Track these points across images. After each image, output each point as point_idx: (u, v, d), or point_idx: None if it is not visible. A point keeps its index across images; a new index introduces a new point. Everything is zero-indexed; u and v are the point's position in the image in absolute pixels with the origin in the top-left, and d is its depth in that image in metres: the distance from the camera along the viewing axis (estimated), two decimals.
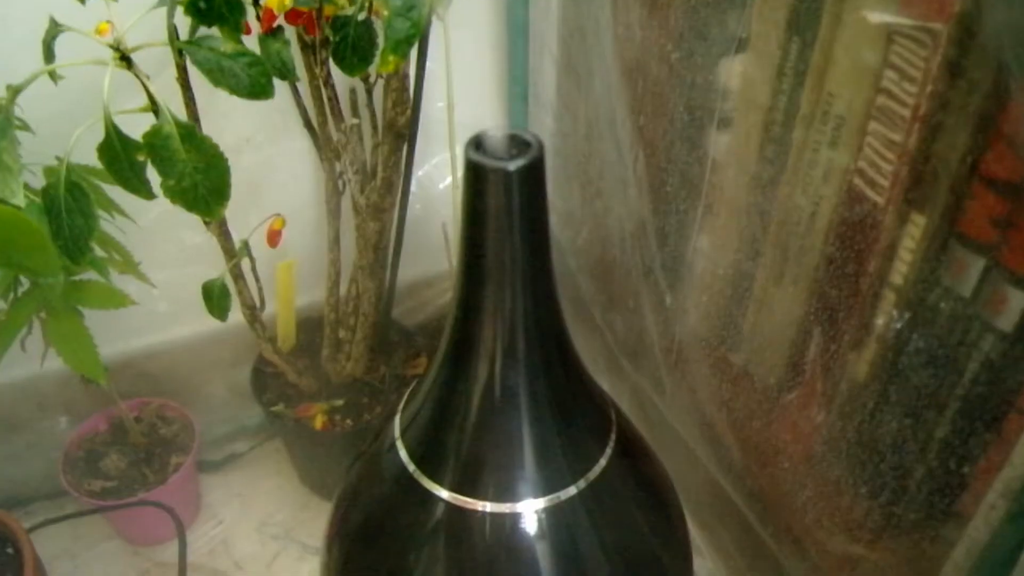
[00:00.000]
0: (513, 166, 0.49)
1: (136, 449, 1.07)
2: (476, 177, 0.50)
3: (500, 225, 0.51)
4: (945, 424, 0.57)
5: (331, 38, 0.70)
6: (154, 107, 0.70)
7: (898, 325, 0.60)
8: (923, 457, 0.60)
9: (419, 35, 0.62)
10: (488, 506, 0.58)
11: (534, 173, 0.51)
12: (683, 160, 0.82)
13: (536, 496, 0.58)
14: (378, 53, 0.69)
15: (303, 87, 0.89)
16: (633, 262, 0.94)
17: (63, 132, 0.70)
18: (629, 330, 1.01)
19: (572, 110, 1.02)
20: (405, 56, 0.64)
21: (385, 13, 0.60)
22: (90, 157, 0.70)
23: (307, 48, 0.83)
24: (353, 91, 0.93)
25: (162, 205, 0.72)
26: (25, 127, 0.81)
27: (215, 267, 0.87)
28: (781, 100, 0.70)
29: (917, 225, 0.59)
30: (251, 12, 0.75)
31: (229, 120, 0.98)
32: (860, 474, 0.66)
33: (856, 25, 0.61)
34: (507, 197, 0.50)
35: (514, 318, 0.54)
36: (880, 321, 0.62)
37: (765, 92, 0.71)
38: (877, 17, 0.61)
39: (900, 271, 0.60)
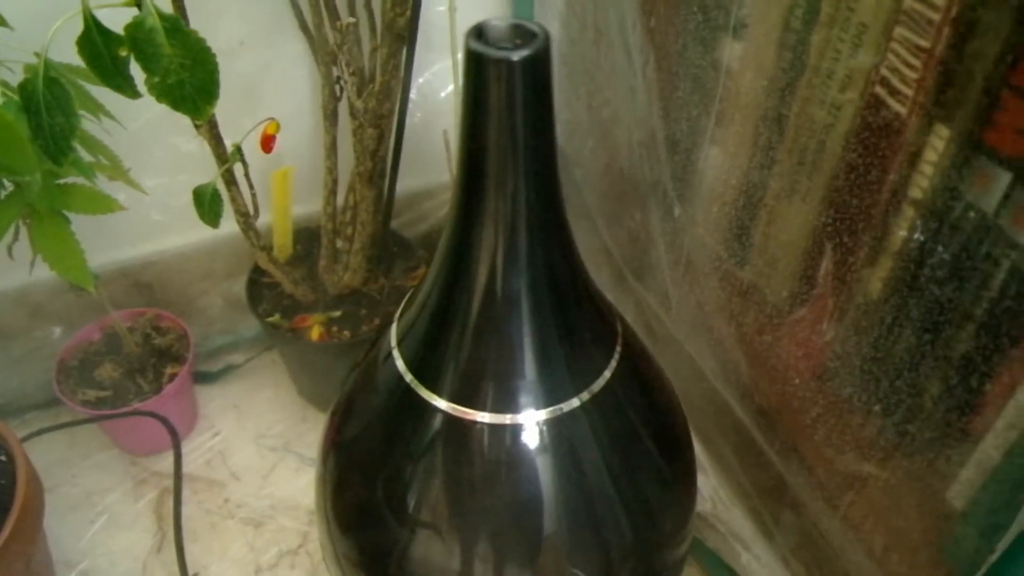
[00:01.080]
0: (517, 56, 0.46)
1: (130, 359, 1.06)
2: (477, 68, 0.47)
3: (502, 120, 0.48)
4: (966, 340, 0.55)
5: None
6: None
7: (919, 238, 0.57)
8: (941, 374, 0.58)
9: None
10: (487, 417, 0.56)
11: (539, 65, 0.48)
12: (696, 64, 0.78)
13: (537, 407, 0.56)
14: None
15: None
16: (641, 173, 0.90)
17: (44, 29, 0.67)
18: (635, 243, 0.98)
19: (579, 14, 0.97)
20: None
21: None
22: (74, 57, 0.66)
23: None
24: None
25: (152, 109, 0.68)
26: (2, 22, 0.77)
27: (209, 175, 0.84)
28: (800, 1, 0.66)
29: (941, 136, 0.56)
30: None
31: (223, 19, 0.94)
32: (874, 391, 0.64)
33: None
34: (510, 89, 0.47)
35: (516, 219, 0.51)
36: (899, 234, 0.59)
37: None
38: None
39: (921, 184, 0.57)
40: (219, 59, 0.66)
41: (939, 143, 0.56)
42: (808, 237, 0.69)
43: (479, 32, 0.47)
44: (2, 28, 0.76)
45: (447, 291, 0.56)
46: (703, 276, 0.84)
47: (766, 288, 0.76)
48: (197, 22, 0.74)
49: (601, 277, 1.08)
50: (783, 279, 0.73)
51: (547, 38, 0.47)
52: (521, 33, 0.48)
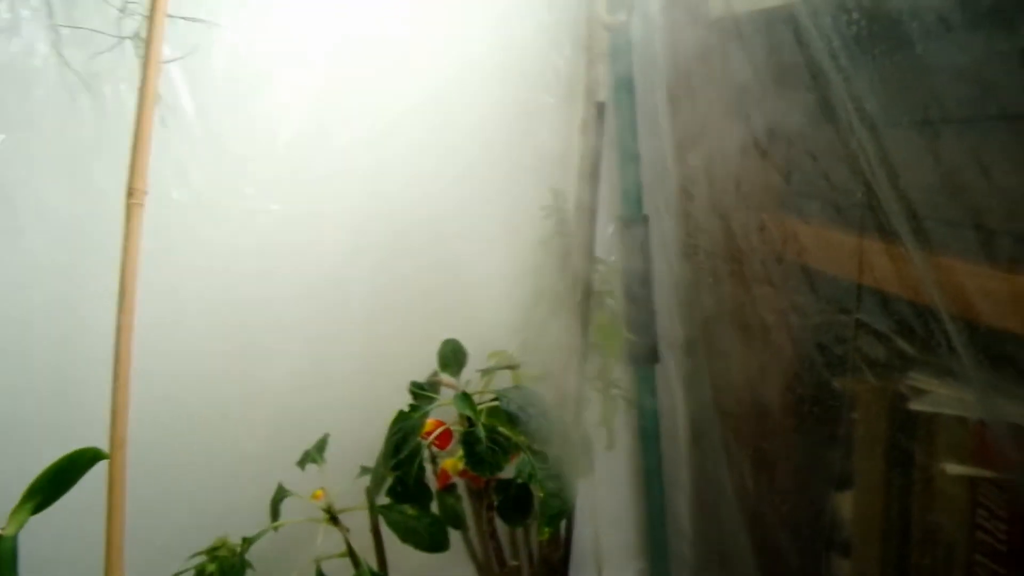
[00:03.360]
0: None
1: None
2: None
3: None
4: None
5: (494, 500, 0.86)
6: (352, 557, 0.87)
7: None
8: None
9: (569, 510, 0.77)
10: None
11: None
12: None
13: None
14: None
15: (472, 526, 1.04)
16: None
17: (274, 569, 0.87)
18: None
19: (705, 540, 1.12)
20: (558, 527, 0.79)
21: (540, 495, 0.76)
22: None
23: (474, 496, 1.00)
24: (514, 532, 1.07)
25: None
26: (249, 565, 0.98)
27: None
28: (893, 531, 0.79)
29: None
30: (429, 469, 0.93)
31: (407, 552, 1.13)
32: None
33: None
34: None
35: None
36: None
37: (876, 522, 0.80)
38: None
39: None
40: None
41: None
42: None
43: None
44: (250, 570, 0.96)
45: None
46: None
47: None
48: (394, 561, 0.92)
49: None
50: None
51: None
52: None
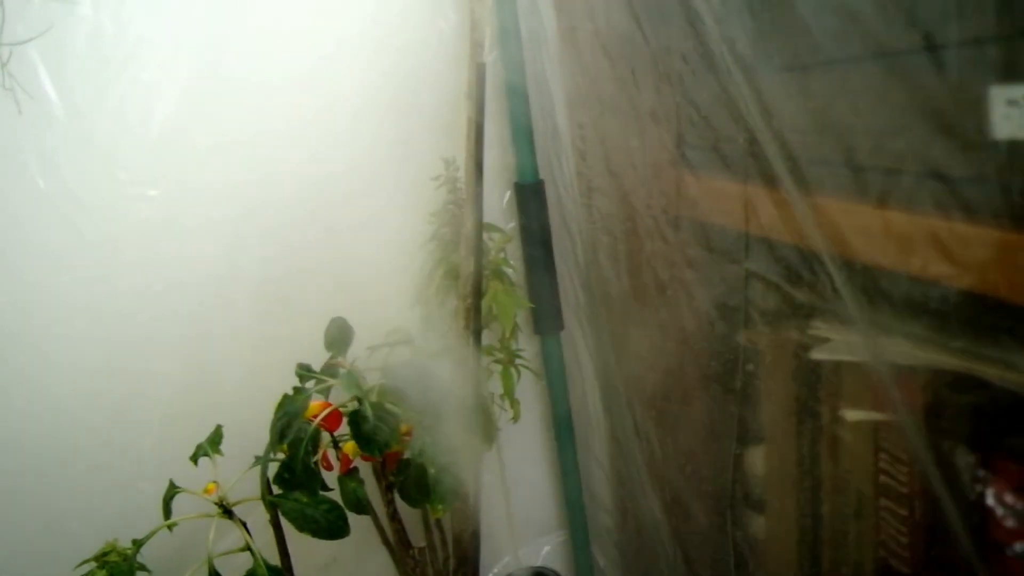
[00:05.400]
0: None
1: None
2: None
3: None
4: None
5: (393, 479, 0.83)
6: (250, 550, 0.83)
7: None
8: None
9: (462, 486, 0.75)
10: None
11: None
12: (716, 553, 0.89)
13: None
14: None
15: (380, 510, 1.01)
16: None
17: (174, 567, 0.83)
18: None
19: (622, 509, 1.11)
20: (451, 505, 0.76)
21: (432, 471, 0.73)
22: None
23: (381, 480, 0.97)
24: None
25: None
26: (144, 568, 0.93)
27: None
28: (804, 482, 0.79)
29: None
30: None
31: (318, 544, 1.10)
32: None
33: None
34: None
35: None
36: None
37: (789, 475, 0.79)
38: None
39: None
40: (315, 572, 0.79)
41: None
42: None
43: None
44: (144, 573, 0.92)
45: None
46: None
47: None
48: (298, 544, 0.89)
49: None
50: None
51: None
52: None
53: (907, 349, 0.62)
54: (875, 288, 0.61)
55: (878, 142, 0.58)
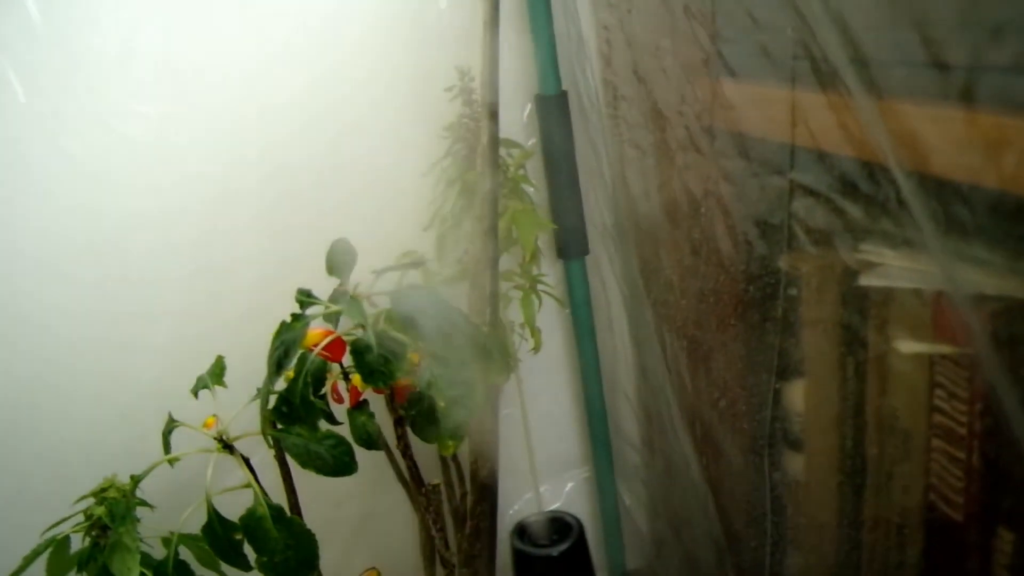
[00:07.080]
0: (556, 551, 0.53)
1: None
2: (523, 565, 0.54)
3: None
4: None
5: (403, 412, 0.77)
6: (254, 486, 0.78)
7: None
8: None
9: (471, 419, 0.69)
10: None
11: (577, 554, 0.54)
12: (750, 496, 0.83)
13: None
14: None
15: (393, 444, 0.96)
16: None
17: (179, 505, 0.79)
18: None
19: (650, 446, 1.06)
20: (462, 439, 0.70)
21: (441, 405, 0.67)
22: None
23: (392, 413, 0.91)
24: None
25: None
26: (145, 503, 0.89)
27: None
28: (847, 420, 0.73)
29: (1006, 540, 0.58)
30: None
31: (331, 479, 1.05)
32: None
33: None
34: None
35: None
36: None
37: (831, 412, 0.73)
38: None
39: None
40: (328, 509, 0.76)
41: (1006, 546, 0.58)
42: None
43: (521, 530, 0.55)
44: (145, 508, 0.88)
45: None
46: None
47: None
48: (307, 479, 0.84)
49: None
50: None
51: (581, 528, 0.55)
52: (558, 527, 0.56)
53: (979, 275, 0.54)
54: (948, 203, 0.53)
55: (961, 34, 0.49)
